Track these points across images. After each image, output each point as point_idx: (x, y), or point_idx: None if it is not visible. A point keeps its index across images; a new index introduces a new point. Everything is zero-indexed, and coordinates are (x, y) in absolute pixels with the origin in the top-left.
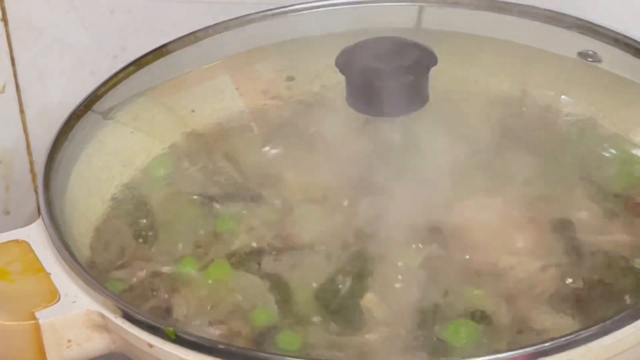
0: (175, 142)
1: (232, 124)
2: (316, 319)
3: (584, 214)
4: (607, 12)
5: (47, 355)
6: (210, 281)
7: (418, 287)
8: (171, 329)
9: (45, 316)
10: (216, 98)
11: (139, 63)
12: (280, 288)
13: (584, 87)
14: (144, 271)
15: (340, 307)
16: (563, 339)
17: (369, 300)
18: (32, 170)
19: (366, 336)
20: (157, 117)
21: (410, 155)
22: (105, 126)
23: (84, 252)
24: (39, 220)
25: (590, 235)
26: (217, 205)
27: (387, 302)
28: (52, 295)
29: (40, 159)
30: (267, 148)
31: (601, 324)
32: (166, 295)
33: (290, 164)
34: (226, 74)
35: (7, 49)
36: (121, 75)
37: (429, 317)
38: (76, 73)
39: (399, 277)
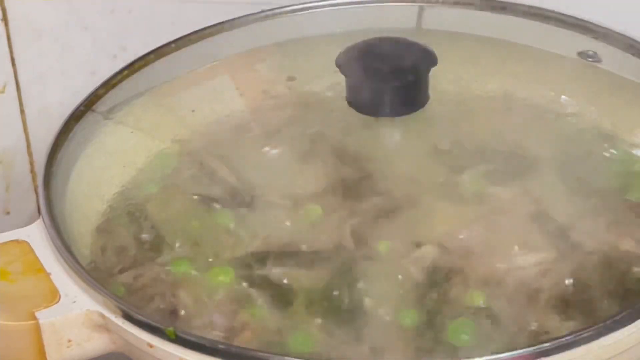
0: (175, 142)
1: (232, 124)
2: (318, 321)
3: (583, 213)
4: (607, 12)
5: (47, 355)
6: (212, 285)
7: (419, 288)
8: (171, 329)
9: (45, 316)
10: (216, 98)
11: (139, 63)
12: (282, 290)
13: (584, 87)
14: (144, 273)
15: (341, 309)
16: (563, 339)
17: (370, 302)
18: (32, 170)
19: (366, 337)
20: (157, 117)
21: (410, 155)
22: (105, 126)
23: (84, 252)
24: (39, 220)
25: (590, 235)
26: (217, 206)
27: (388, 303)
28: (52, 295)
29: (40, 159)
30: (267, 148)
31: (601, 324)
32: (167, 298)
33: (290, 164)
34: (226, 74)
35: (7, 49)
36: (121, 75)
37: (429, 317)
38: (76, 73)
39: (400, 277)
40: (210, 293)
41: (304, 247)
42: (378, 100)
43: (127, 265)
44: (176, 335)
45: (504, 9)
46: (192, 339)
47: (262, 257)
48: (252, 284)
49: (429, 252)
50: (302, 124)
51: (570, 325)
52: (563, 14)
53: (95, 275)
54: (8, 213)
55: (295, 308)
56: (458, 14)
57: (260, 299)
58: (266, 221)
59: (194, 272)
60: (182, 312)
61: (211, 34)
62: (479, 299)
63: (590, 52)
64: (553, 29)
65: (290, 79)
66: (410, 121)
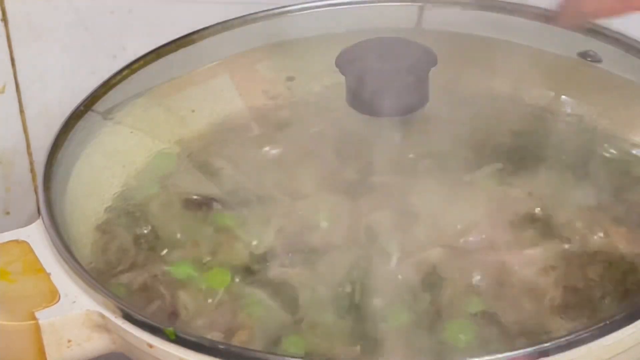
0: (175, 142)
1: (232, 124)
2: (319, 322)
3: (583, 213)
4: None
5: (47, 356)
6: (210, 287)
7: (418, 289)
8: (171, 329)
9: (45, 316)
10: (216, 98)
11: (139, 63)
12: (283, 292)
13: (584, 87)
14: (144, 273)
15: (342, 310)
16: (563, 339)
17: (369, 302)
18: (32, 170)
19: (366, 338)
20: (157, 117)
21: (410, 155)
22: (105, 126)
23: (84, 252)
24: (39, 220)
25: (589, 235)
26: (217, 206)
27: (388, 304)
28: (52, 295)
29: (40, 159)
30: (267, 148)
31: (601, 324)
32: (167, 298)
33: (290, 164)
34: (226, 74)
35: (7, 49)
36: (121, 75)
37: (429, 318)
38: (76, 73)
39: (400, 278)
40: (210, 294)
41: (303, 248)
42: (378, 100)
43: (127, 266)
44: (176, 336)
45: (504, 9)
46: (192, 339)
47: (261, 258)
48: (251, 284)
49: (429, 252)
50: (302, 124)
51: (571, 325)
52: None
53: (95, 275)
54: (8, 213)
55: (294, 309)
56: (458, 14)
57: (259, 300)
58: (266, 221)
59: (194, 273)
60: (182, 313)
61: (211, 34)
62: (478, 300)
63: (591, 52)
64: (553, 29)
65: (290, 79)
66: (410, 121)
